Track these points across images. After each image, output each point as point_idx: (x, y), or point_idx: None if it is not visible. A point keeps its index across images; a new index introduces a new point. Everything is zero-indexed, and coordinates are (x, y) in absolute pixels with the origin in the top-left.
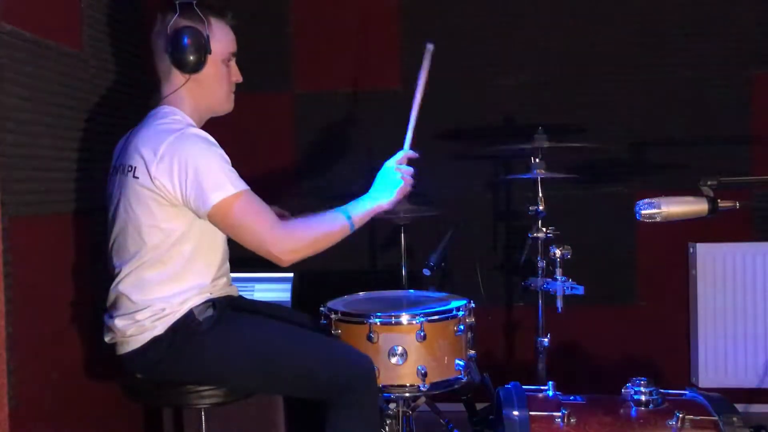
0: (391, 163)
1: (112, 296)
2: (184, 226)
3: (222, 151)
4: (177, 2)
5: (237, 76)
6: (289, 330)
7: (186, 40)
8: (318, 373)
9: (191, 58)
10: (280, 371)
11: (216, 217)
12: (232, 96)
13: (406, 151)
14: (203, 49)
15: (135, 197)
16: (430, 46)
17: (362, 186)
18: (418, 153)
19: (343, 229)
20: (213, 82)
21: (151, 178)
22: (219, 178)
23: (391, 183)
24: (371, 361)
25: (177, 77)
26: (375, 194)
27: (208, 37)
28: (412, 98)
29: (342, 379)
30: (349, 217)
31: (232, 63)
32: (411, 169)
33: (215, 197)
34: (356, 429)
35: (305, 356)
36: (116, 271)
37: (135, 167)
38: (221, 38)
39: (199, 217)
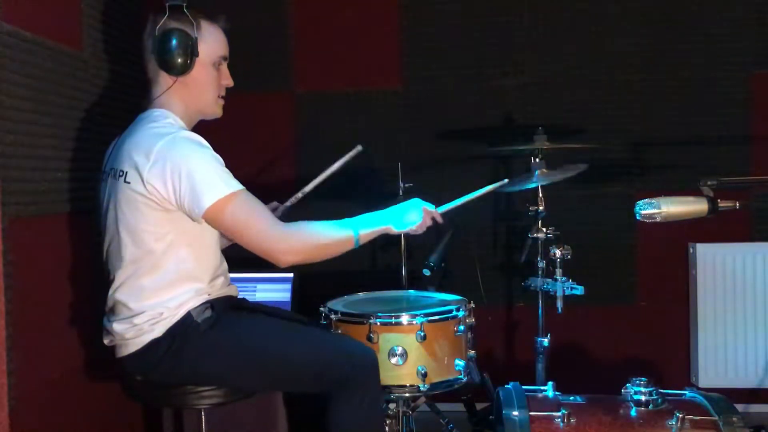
0: (422, 203)
1: (110, 303)
2: (177, 230)
3: (215, 153)
4: (167, 4)
5: (228, 80)
6: (288, 326)
7: (172, 42)
8: (318, 365)
9: (177, 60)
10: (280, 367)
11: (211, 219)
12: (222, 101)
13: (437, 210)
14: (190, 51)
15: (126, 202)
16: (506, 181)
17: (361, 186)
18: (418, 156)
19: (347, 242)
20: (201, 85)
21: (143, 182)
22: (212, 180)
23: (410, 216)
24: (372, 351)
25: (165, 79)
26: (389, 217)
27: (195, 39)
28: (474, 191)
29: (342, 370)
30: (356, 233)
31: (223, 67)
32: (431, 223)
33: (209, 199)
34: (359, 419)
35: (305, 351)
36: (112, 277)
37: (126, 172)
38: (211, 41)
39: (194, 220)
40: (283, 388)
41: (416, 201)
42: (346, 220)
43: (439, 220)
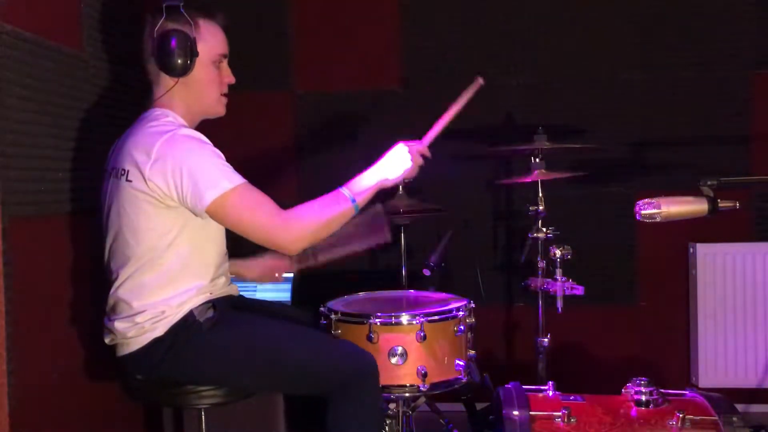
0: (406, 145)
1: (111, 301)
2: (179, 227)
3: (215, 148)
4: (164, 5)
5: (229, 78)
6: (289, 327)
7: (171, 44)
8: (319, 369)
9: (177, 61)
10: (281, 369)
11: (216, 214)
12: (224, 99)
13: (423, 145)
14: (189, 52)
15: (128, 201)
16: (480, 80)
17: None
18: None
19: (347, 211)
20: (202, 85)
21: (145, 180)
22: (213, 175)
23: (400, 161)
24: (372, 357)
25: (166, 80)
26: (381, 168)
27: (194, 39)
28: (447, 107)
29: (343, 374)
30: (353, 199)
31: (224, 64)
32: (421, 160)
33: (211, 194)
34: (358, 424)
35: (306, 353)
36: (114, 276)
37: (128, 171)
38: (210, 40)
39: (197, 215)
40: (284, 390)
41: (399, 147)
42: (341, 188)
43: (428, 153)
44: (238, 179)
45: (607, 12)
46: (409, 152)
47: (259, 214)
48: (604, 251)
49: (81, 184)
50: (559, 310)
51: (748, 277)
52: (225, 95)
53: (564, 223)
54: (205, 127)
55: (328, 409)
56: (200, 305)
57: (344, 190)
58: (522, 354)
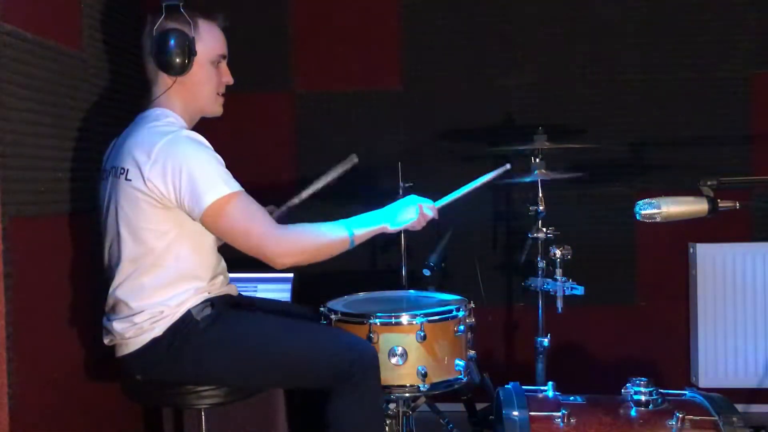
0: (417, 200)
1: (110, 301)
2: (178, 228)
3: (215, 153)
4: (163, 4)
5: (228, 78)
6: (288, 322)
7: (170, 43)
8: (318, 361)
9: (175, 60)
10: (280, 363)
11: (209, 219)
12: (221, 99)
13: (434, 205)
14: (188, 51)
15: (127, 200)
16: (508, 166)
17: (361, 186)
18: (418, 156)
19: (342, 243)
20: (200, 84)
21: (144, 180)
22: (212, 180)
23: (406, 214)
24: (372, 347)
25: (164, 79)
26: (385, 216)
27: (193, 39)
28: (470, 181)
29: (343, 365)
30: (351, 233)
31: (222, 65)
32: (430, 216)
33: (209, 198)
34: (358, 415)
35: (305, 346)
36: (113, 276)
37: (128, 170)
38: (208, 40)
39: (193, 219)
40: (284, 384)
41: (412, 198)
42: (342, 221)
43: (435, 215)
44: (235, 186)
45: (606, 12)
46: (418, 207)
47: (254, 223)
48: (604, 251)
49: (81, 184)
50: (559, 310)
51: (747, 277)
52: (222, 95)
53: (564, 223)
54: (206, 127)
55: (328, 401)
56: (198, 304)
57: (346, 224)
58: (522, 354)
